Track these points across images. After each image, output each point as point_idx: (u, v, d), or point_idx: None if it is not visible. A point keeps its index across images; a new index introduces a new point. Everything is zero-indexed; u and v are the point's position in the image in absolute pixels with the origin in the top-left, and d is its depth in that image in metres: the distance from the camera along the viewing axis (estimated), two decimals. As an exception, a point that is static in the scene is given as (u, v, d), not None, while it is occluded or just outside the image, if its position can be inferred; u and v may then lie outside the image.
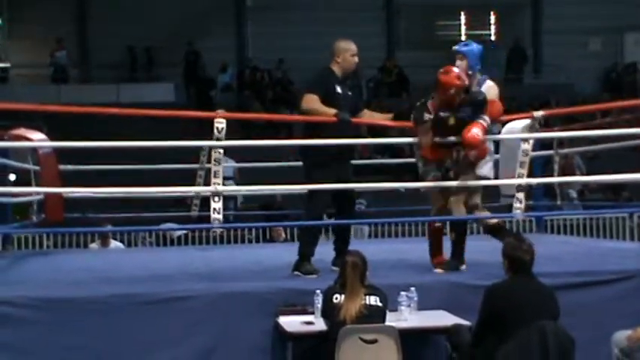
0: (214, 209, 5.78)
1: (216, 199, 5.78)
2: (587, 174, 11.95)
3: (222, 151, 5.83)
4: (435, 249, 6.21)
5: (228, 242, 12.00)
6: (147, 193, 7.61)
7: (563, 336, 4.51)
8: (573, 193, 13.50)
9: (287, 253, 7.60)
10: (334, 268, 5.87)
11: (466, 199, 6.06)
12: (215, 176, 5.80)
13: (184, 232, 12.41)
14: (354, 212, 6.57)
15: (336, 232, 6.55)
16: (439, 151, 5.94)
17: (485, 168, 6.12)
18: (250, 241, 12.20)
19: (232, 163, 11.87)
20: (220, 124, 5.77)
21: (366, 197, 12.41)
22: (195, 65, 19.74)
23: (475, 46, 6.24)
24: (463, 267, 6.06)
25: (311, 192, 6.13)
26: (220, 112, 6.00)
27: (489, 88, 6.10)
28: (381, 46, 21.41)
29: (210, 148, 5.92)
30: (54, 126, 11.05)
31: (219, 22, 21.14)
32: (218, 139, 5.79)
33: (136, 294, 5.34)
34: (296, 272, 6.04)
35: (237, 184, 13.89)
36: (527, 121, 6.36)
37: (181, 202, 10.94)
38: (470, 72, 6.09)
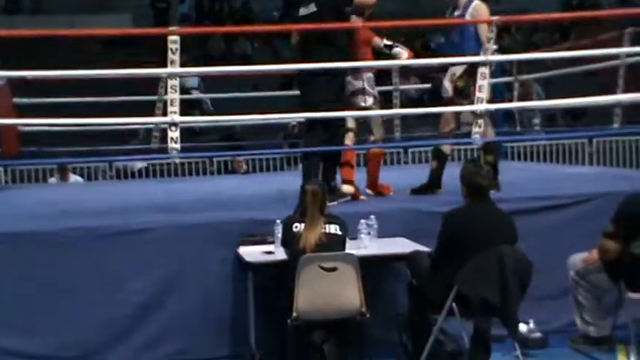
0: (172, 139, 5.68)
1: (173, 128, 5.69)
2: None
3: (178, 78, 5.71)
4: (373, 175, 6.41)
5: (190, 174, 11.96)
6: (105, 126, 7.48)
7: (521, 259, 4.55)
8: (536, 120, 13.58)
9: (248, 184, 7.61)
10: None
11: None
12: (172, 104, 5.70)
13: (145, 164, 12.34)
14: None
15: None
16: None
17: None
18: (212, 173, 12.15)
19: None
20: (174, 44, 5.61)
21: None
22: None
23: None
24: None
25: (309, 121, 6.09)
26: (174, 28, 5.81)
27: (478, 7, 6.18)
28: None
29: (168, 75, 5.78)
30: (6, 58, 10.77)
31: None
32: (172, 62, 5.64)
33: (94, 227, 5.28)
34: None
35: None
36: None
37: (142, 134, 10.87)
38: None
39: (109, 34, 8.08)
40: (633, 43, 7.14)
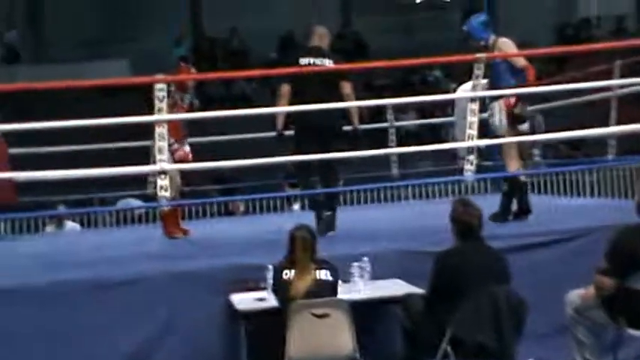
0: (161, 187, 5.66)
1: (163, 176, 5.66)
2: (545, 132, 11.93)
3: (165, 125, 5.68)
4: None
5: (190, 217, 11.89)
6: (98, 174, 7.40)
7: (514, 300, 4.48)
8: (536, 152, 13.48)
9: (244, 225, 7.56)
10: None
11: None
12: (160, 152, 5.67)
13: (144, 209, 12.27)
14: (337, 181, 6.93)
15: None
16: None
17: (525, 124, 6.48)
18: (212, 215, 12.09)
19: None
20: (161, 91, 5.59)
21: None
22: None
23: (473, 20, 6.68)
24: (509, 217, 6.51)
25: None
26: (159, 76, 5.80)
27: (502, 44, 6.52)
28: (335, 12, 21.25)
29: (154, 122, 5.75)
30: (4, 109, 10.80)
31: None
32: (160, 110, 5.61)
33: (85, 279, 5.23)
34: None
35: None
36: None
37: (140, 179, 10.81)
38: (482, 43, 6.48)
39: (94, 85, 8.06)
40: (623, 75, 7.13)
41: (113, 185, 11.30)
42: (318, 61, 6.52)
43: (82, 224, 11.29)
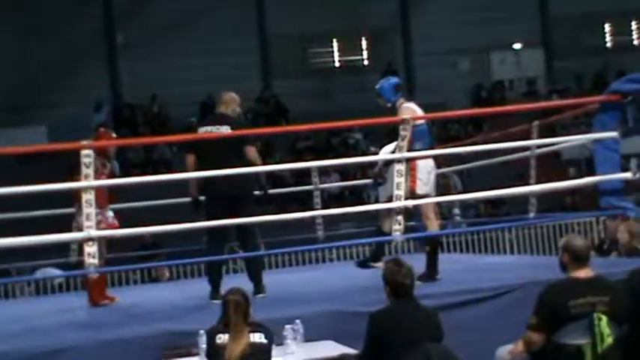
0: (89, 254, 5.58)
1: (90, 243, 5.58)
2: (464, 191, 12.24)
3: (92, 192, 5.62)
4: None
5: (112, 285, 11.66)
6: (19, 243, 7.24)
7: (448, 357, 4.53)
8: (456, 211, 13.77)
9: (171, 291, 7.46)
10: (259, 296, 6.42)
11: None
12: (87, 219, 5.59)
13: (63, 278, 12.00)
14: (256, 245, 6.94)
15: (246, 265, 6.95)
16: None
17: (427, 187, 6.48)
18: (135, 282, 11.90)
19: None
20: (87, 157, 5.54)
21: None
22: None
23: (386, 82, 6.85)
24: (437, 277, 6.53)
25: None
26: (85, 142, 5.76)
27: (402, 110, 6.58)
28: (256, 76, 21.47)
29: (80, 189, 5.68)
30: None
31: (91, 61, 20.70)
32: (87, 176, 5.56)
33: (4, 352, 5.04)
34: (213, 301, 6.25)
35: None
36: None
37: (60, 247, 10.58)
38: (389, 104, 6.65)
39: (20, 152, 7.89)
40: (541, 135, 7.39)
41: (30, 254, 11.03)
42: (214, 128, 6.57)
43: (-1, 296, 10.98)
